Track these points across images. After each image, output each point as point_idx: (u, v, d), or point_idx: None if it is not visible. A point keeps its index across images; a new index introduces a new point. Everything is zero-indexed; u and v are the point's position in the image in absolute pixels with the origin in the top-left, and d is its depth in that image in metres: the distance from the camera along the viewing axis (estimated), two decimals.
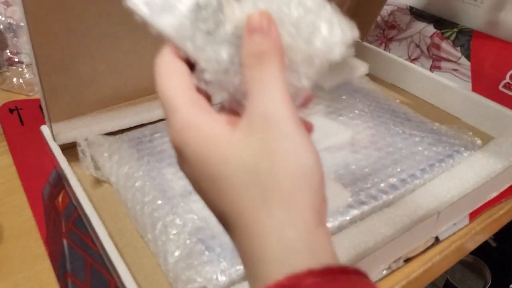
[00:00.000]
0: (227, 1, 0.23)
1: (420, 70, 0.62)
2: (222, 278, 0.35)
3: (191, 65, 0.24)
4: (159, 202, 0.41)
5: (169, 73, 0.24)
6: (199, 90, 0.24)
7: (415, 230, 0.39)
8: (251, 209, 0.21)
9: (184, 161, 0.23)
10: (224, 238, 0.37)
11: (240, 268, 0.35)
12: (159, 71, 0.24)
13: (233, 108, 0.24)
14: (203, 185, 0.23)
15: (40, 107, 0.61)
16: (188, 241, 0.37)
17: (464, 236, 0.44)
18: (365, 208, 0.41)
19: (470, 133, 0.52)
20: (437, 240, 0.42)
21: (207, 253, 0.36)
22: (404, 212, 0.40)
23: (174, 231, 0.38)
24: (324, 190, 0.22)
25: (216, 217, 0.23)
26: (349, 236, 0.37)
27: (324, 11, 0.24)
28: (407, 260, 0.40)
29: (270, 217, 0.21)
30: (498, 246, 0.87)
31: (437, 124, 0.53)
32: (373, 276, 0.39)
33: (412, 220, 0.39)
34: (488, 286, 0.87)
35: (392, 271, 0.40)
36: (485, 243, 0.82)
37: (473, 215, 0.45)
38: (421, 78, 0.61)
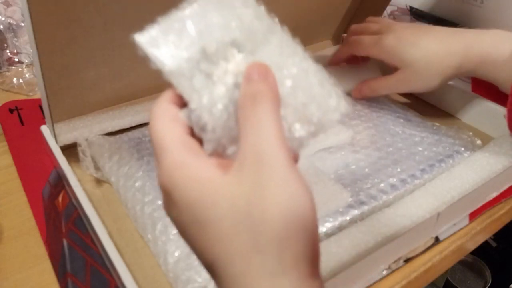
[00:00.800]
0: (232, 52, 0.24)
1: None
2: None
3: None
4: (159, 202, 0.41)
5: (164, 116, 0.24)
6: (193, 136, 0.24)
7: (415, 230, 0.39)
8: (241, 256, 0.20)
9: (172, 204, 0.22)
10: None
11: None
12: (154, 114, 0.24)
13: (222, 154, 0.24)
14: (191, 230, 0.22)
15: (40, 107, 0.61)
16: None
17: (464, 236, 0.44)
18: (365, 208, 0.41)
19: (470, 133, 0.52)
20: (437, 240, 0.42)
21: None
22: (404, 212, 0.40)
23: (174, 231, 0.38)
24: (318, 237, 0.22)
25: (203, 265, 0.22)
26: (349, 236, 0.37)
27: (323, 79, 0.25)
28: (407, 260, 0.40)
29: (261, 267, 0.20)
30: (498, 246, 0.87)
31: (437, 124, 0.53)
32: (373, 276, 0.39)
33: (412, 220, 0.39)
34: (488, 286, 0.87)
35: (392, 271, 0.40)
36: (485, 243, 0.82)
37: (473, 215, 0.45)
38: None
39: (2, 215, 0.44)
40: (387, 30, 0.53)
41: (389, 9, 0.75)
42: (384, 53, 0.52)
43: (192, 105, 0.23)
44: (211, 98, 0.23)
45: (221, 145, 0.23)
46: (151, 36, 0.25)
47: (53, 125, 0.47)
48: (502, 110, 0.53)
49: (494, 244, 0.87)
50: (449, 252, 0.42)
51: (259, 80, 0.23)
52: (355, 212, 0.41)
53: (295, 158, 0.25)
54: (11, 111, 0.61)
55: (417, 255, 0.41)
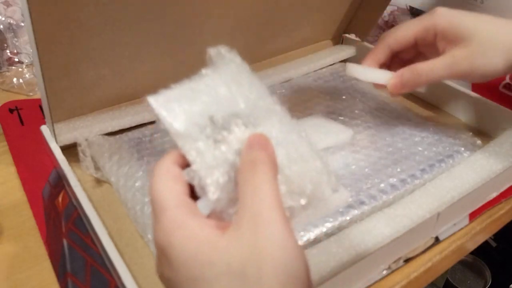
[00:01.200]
0: (236, 123, 0.26)
1: None
2: None
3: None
4: None
5: (165, 176, 0.25)
6: (193, 196, 0.25)
7: (415, 230, 0.39)
8: None
9: (168, 263, 0.22)
10: None
11: None
12: (156, 173, 0.25)
13: (221, 216, 0.25)
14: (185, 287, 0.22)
15: (40, 107, 0.61)
16: None
17: (464, 236, 0.44)
18: (365, 208, 0.41)
19: (470, 133, 0.52)
20: (437, 240, 0.42)
21: None
22: (404, 212, 0.40)
23: None
24: None
25: None
26: (349, 236, 0.37)
27: (318, 157, 0.27)
28: (407, 260, 0.40)
29: None
30: (498, 246, 0.87)
31: (437, 124, 0.53)
32: (373, 276, 0.39)
33: (412, 220, 0.39)
34: (488, 286, 0.87)
35: (392, 271, 0.40)
36: (485, 243, 0.82)
37: (473, 215, 0.45)
38: None
39: (2, 215, 0.44)
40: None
41: (389, 9, 0.75)
42: (439, 22, 0.43)
43: (195, 166, 0.25)
44: (214, 161, 0.25)
45: (220, 207, 0.25)
46: (164, 99, 0.27)
47: (53, 125, 0.47)
48: (502, 110, 0.53)
49: (494, 244, 0.87)
50: (449, 252, 0.42)
51: (259, 148, 0.24)
52: (355, 212, 0.41)
53: None
54: (11, 111, 0.61)
55: (417, 255, 0.41)
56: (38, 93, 0.66)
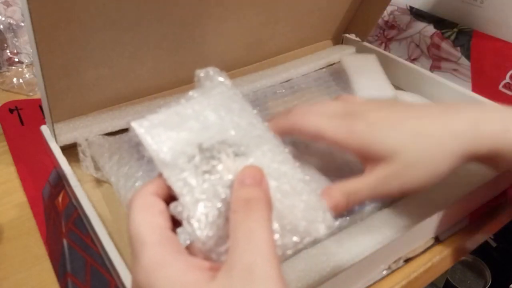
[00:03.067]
0: (226, 152, 0.25)
1: (420, 70, 0.62)
2: None
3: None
4: None
5: (144, 208, 0.23)
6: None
7: (415, 230, 0.39)
8: None
9: None
10: None
11: None
12: (133, 205, 0.23)
13: (208, 253, 0.23)
14: None
15: (40, 107, 0.61)
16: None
17: (464, 236, 0.44)
18: (365, 208, 0.41)
19: None
20: (437, 240, 0.42)
21: None
22: (404, 212, 0.40)
23: None
24: None
25: None
26: (349, 236, 0.37)
27: (311, 190, 0.25)
28: (407, 260, 0.40)
29: None
30: (498, 246, 0.87)
31: None
32: (373, 276, 0.39)
33: (412, 220, 0.39)
34: (488, 286, 0.87)
35: (392, 271, 0.40)
36: (485, 243, 0.82)
37: (473, 215, 0.45)
38: (421, 78, 0.61)
39: (2, 215, 0.44)
40: (356, 112, 0.36)
41: (389, 9, 0.75)
42: (356, 142, 0.35)
43: (182, 199, 0.23)
44: (203, 194, 0.23)
45: (208, 245, 0.23)
46: (149, 124, 0.25)
47: (53, 125, 0.47)
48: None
49: (494, 244, 0.87)
50: (449, 252, 0.42)
51: (253, 185, 0.23)
52: (355, 212, 0.41)
53: None
54: (11, 111, 0.61)
55: (417, 255, 0.41)
56: (38, 93, 0.66)
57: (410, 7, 0.73)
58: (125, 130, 0.51)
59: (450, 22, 0.68)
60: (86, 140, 0.48)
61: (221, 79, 0.28)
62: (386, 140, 0.34)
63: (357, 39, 0.69)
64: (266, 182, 0.23)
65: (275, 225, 0.23)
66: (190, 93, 0.27)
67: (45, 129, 0.49)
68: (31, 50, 0.40)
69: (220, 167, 0.24)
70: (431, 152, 0.33)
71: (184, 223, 0.23)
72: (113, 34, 0.44)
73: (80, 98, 0.49)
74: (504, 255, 0.86)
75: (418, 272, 0.40)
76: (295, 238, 0.24)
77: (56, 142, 0.47)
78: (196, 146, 0.25)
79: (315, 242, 0.38)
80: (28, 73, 0.69)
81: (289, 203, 0.24)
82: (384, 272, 0.39)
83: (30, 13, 0.36)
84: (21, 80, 0.67)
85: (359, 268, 0.36)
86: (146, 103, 0.53)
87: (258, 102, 0.57)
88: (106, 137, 0.49)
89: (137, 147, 0.49)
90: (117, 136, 0.50)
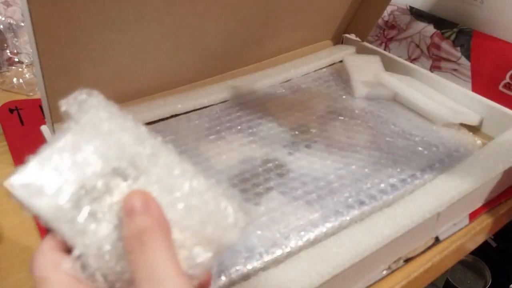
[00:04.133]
0: (115, 183, 0.22)
1: (420, 70, 0.62)
2: (222, 278, 0.35)
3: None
4: None
5: (46, 266, 0.21)
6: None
7: (415, 230, 0.39)
8: None
9: None
10: None
11: (240, 268, 0.35)
12: (35, 264, 0.21)
13: None
14: None
15: (40, 107, 0.61)
16: None
17: (464, 236, 0.44)
18: (365, 208, 0.41)
19: (470, 133, 0.52)
20: (437, 240, 0.42)
21: None
22: (404, 212, 0.40)
23: None
24: None
25: None
26: (349, 236, 0.37)
27: (217, 195, 0.23)
28: (407, 260, 0.40)
29: None
30: (498, 246, 0.87)
31: (437, 124, 0.53)
32: (373, 276, 0.39)
33: (412, 220, 0.39)
34: (488, 286, 0.87)
35: (392, 271, 0.40)
36: (485, 243, 0.82)
37: (473, 215, 0.45)
38: (421, 78, 0.61)
39: (2, 215, 0.44)
40: None
41: (389, 9, 0.75)
42: None
43: (77, 250, 0.21)
44: (97, 239, 0.21)
45: None
46: (24, 180, 0.22)
47: (53, 125, 0.47)
48: (502, 110, 0.53)
49: (494, 244, 0.87)
50: (449, 252, 0.42)
51: (141, 213, 0.21)
52: (355, 212, 0.41)
53: (206, 282, 0.23)
54: (11, 111, 0.61)
55: (417, 255, 0.41)
56: (38, 93, 0.66)
57: (410, 7, 0.73)
58: None
59: (450, 22, 0.68)
60: None
61: (92, 101, 0.25)
62: None
63: (357, 39, 0.69)
64: (154, 204, 0.21)
65: (188, 243, 0.22)
66: (65, 125, 0.24)
67: (45, 129, 0.49)
68: (31, 50, 0.40)
69: (111, 202, 0.22)
70: None
71: (83, 275, 0.21)
72: (113, 34, 0.44)
73: None
74: (504, 255, 0.86)
75: (418, 272, 0.40)
76: (209, 254, 0.22)
77: None
78: (80, 187, 0.22)
79: (314, 242, 0.38)
80: (28, 73, 0.69)
81: (196, 216, 0.22)
82: (384, 272, 0.39)
83: (30, 13, 0.36)
84: (21, 80, 0.67)
85: (359, 268, 0.36)
86: (146, 103, 0.53)
87: (258, 102, 0.57)
88: None
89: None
90: None
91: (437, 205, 0.41)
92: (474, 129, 0.55)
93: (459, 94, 0.57)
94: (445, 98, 0.57)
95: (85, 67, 0.46)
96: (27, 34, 0.39)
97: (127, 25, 0.44)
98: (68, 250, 0.21)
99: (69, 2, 0.38)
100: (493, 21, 0.64)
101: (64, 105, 0.25)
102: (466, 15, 0.66)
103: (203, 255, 0.22)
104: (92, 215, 0.21)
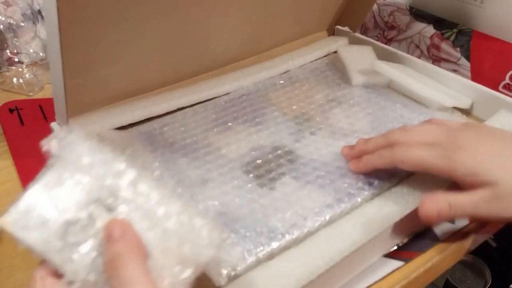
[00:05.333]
0: (97, 213, 0.24)
1: (411, 58, 0.61)
2: (250, 258, 0.35)
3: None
4: (179, 190, 0.42)
5: None
6: None
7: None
8: None
9: None
10: (246, 220, 0.38)
11: (264, 248, 0.36)
12: None
13: None
14: None
15: (40, 107, 0.61)
16: None
17: (464, 236, 0.44)
18: (365, 193, 0.42)
19: (464, 116, 0.53)
20: (437, 240, 0.42)
21: (232, 235, 0.37)
22: (410, 191, 0.40)
23: None
24: None
25: None
26: (362, 215, 0.38)
27: (193, 216, 0.26)
28: (407, 260, 0.40)
29: None
30: (498, 246, 0.87)
31: (431, 108, 0.54)
32: (389, 247, 0.40)
33: (420, 197, 0.39)
34: (488, 286, 0.87)
35: (392, 271, 0.40)
36: (485, 243, 0.82)
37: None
38: (412, 65, 0.61)
39: (2, 215, 0.44)
40: (455, 140, 0.39)
41: (389, 9, 0.75)
42: (461, 172, 0.37)
43: (67, 277, 0.23)
44: (84, 266, 0.23)
45: None
46: (15, 217, 0.25)
47: (67, 122, 0.47)
48: (491, 93, 0.53)
49: (494, 244, 0.87)
50: (449, 252, 0.42)
51: (118, 239, 0.23)
52: (365, 193, 0.42)
53: None
54: (11, 111, 0.61)
55: (417, 255, 0.41)
56: (38, 93, 0.66)
57: (410, 7, 0.73)
58: (134, 124, 0.52)
59: (450, 23, 0.68)
60: (98, 135, 0.48)
61: (70, 138, 0.27)
62: (492, 170, 0.36)
63: (349, 30, 0.69)
64: (130, 230, 0.24)
65: (169, 263, 0.24)
66: (50, 161, 0.27)
67: (55, 126, 0.49)
68: (48, 48, 0.39)
69: (96, 231, 0.24)
70: None
71: None
72: (124, 32, 0.44)
73: (91, 94, 0.49)
74: (504, 255, 0.86)
75: (418, 272, 0.40)
76: (191, 268, 0.24)
77: None
78: (66, 221, 0.25)
79: (329, 221, 0.39)
80: (28, 73, 0.69)
81: (173, 237, 0.25)
82: (396, 248, 0.41)
83: (58, 12, 0.35)
84: (21, 80, 0.67)
85: (373, 244, 0.37)
86: (152, 98, 0.54)
87: (260, 93, 0.58)
88: (117, 131, 0.50)
89: (149, 140, 0.49)
90: (128, 130, 0.51)
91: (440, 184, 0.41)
92: (465, 112, 0.55)
93: (449, 80, 0.57)
94: (437, 83, 0.57)
95: (97, 64, 0.46)
96: (31, 32, 0.38)
97: (137, 22, 0.44)
98: (60, 276, 0.24)
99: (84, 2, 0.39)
100: (493, 21, 0.64)
101: (45, 144, 0.27)
102: (466, 15, 0.67)
103: (184, 272, 0.24)
104: (78, 244, 0.24)
